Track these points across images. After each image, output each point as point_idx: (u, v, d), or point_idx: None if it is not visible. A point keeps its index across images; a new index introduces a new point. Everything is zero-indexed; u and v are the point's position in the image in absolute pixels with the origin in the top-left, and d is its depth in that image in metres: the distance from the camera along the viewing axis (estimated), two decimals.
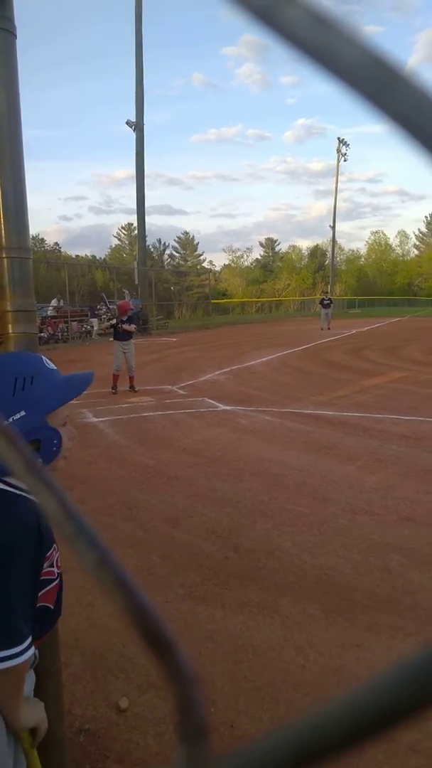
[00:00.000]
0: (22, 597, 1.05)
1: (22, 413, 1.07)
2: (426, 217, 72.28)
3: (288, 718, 2.10)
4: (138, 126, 23.80)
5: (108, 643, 2.53)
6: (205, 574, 3.17)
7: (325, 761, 0.13)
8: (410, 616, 2.72)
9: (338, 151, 45.56)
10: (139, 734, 2.04)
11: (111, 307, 10.31)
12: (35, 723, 1.18)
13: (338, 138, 45.50)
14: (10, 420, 1.06)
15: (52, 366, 1.16)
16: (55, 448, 1.11)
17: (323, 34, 0.14)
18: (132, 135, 24.20)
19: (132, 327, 9.36)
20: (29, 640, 1.04)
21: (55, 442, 1.11)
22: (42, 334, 19.27)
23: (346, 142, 45.50)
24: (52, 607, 1.17)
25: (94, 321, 21.68)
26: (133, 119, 23.81)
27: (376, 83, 0.14)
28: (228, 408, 7.69)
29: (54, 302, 22.32)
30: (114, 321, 9.27)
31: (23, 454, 0.19)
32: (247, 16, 0.14)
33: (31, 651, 1.05)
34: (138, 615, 0.16)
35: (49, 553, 1.13)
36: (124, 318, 9.19)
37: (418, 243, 72.69)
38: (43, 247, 55.72)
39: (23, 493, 1.08)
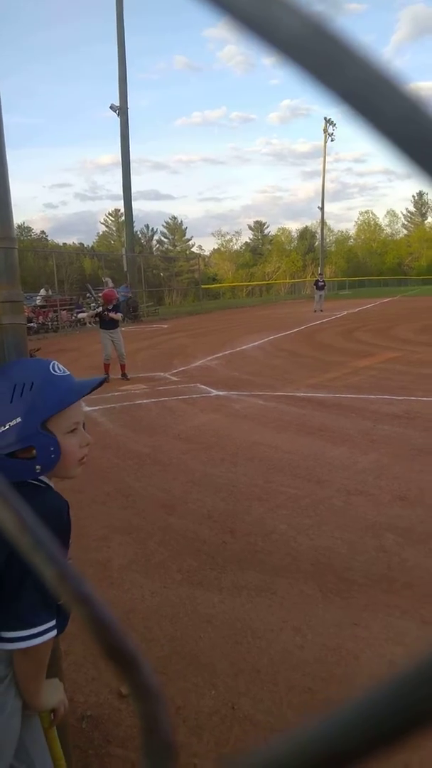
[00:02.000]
0: (35, 587, 1.08)
1: (18, 420, 1.07)
2: (413, 196, 72.07)
3: (288, 698, 2.13)
4: (122, 110, 23.48)
5: None
6: (202, 558, 3.19)
7: None
8: (406, 594, 2.75)
9: (325, 131, 45.15)
10: None
11: (98, 296, 10.26)
12: (56, 704, 1.21)
13: (325, 118, 45.06)
14: (6, 426, 1.07)
15: (62, 372, 1.15)
16: (53, 456, 1.11)
17: (262, 3, 0.12)
18: (116, 120, 23.90)
19: (118, 315, 9.30)
20: (54, 621, 1.08)
21: (52, 449, 1.10)
22: (31, 324, 19.13)
23: (333, 121, 45.06)
24: None
25: (83, 315, 21.57)
26: (117, 103, 23.48)
27: (320, 57, 0.12)
28: (221, 393, 7.69)
29: (42, 292, 22.15)
30: (99, 309, 9.22)
31: None
32: None
33: (47, 636, 1.07)
34: (100, 629, 0.15)
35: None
36: (110, 306, 9.13)
37: (406, 222, 72.52)
38: (30, 235, 55.19)
39: (49, 485, 1.14)
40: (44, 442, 1.10)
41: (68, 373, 1.17)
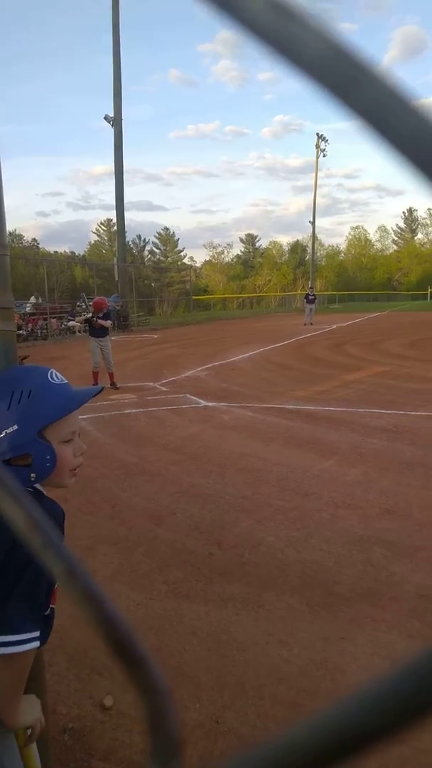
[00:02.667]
0: (47, 590, 1.08)
1: (15, 427, 1.06)
2: (404, 212, 72.95)
3: (273, 711, 2.12)
4: (116, 121, 23.60)
5: (92, 641, 2.52)
6: (188, 570, 3.17)
7: None
8: (393, 608, 2.75)
9: (317, 146, 45.66)
10: (124, 732, 2.04)
11: (89, 304, 10.29)
12: (32, 722, 1.18)
13: (317, 134, 45.61)
14: (3, 434, 1.06)
15: (59, 380, 1.15)
16: (48, 464, 1.11)
17: (285, 24, 0.13)
18: (110, 131, 24.00)
19: (108, 322, 9.30)
20: (38, 632, 1.06)
21: (48, 457, 1.10)
22: (21, 332, 19.06)
23: (325, 137, 45.62)
24: (53, 608, 1.18)
25: (75, 323, 21.49)
26: (112, 114, 23.60)
27: (340, 77, 0.13)
28: (210, 404, 7.68)
29: (32, 299, 22.09)
30: (89, 316, 9.22)
31: None
32: (206, 2, 0.13)
33: (30, 645, 1.05)
34: (108, 627, 0.15)
35: None
36: (100, 314, 9.14)
37: (396, 238, 73.32)
38: (21, 243, 55.11)
39: (42, 492, 1.15)
40: (40, 451, 1.09)
41: (66, 381, 1.17)
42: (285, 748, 0.13)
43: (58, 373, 1.17)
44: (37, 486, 1.15)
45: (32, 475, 1.09)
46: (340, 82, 0.12)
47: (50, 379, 1.14)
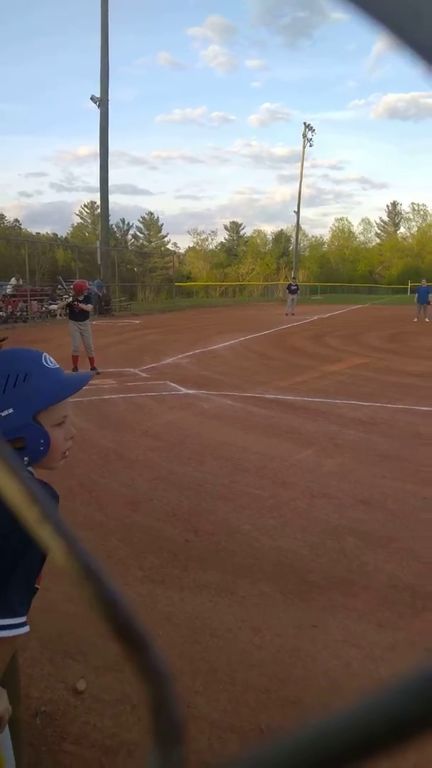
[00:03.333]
0: (38, 572, 1.09)
1: (10, 410, 1.07)
2: (387, 205, 73.26)
3: (245, 697, 2.14)
4: (102, 101, 23.25)
5: (66, 626, 2.52)
6: (164, 556, 3.18)
7: None
8: (364, 597, 2.79)
9: (304, 136, 45.58)
10: (96, 716, 2.05)
11: (69, 288, 10.12)
12: (1, 712, 1.16)
13: (304, 123, 45.51)
14: None
15: (53, 365, 1.16)
16: (42, 448, 1.12)
17: None
18: (96, 112, 23.64)
19: (88, 306, 9.19)
20: (23, 618, 1.07)
21: (41, 441, 1.11)
22: (1, 313, 18.80)
23: (312, 127, 45.56)
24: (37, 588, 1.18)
25: (55, 306, 21.22)
26: (98, 95, 23.23)
27: (401, 7, 0.12)
28: (190, 392, 7.68)
29: (13, 281, 21.77)
30: (69, 299, 9.10)
31: None
32: None
33: (23, 630, 1.06)
34: (108, 607, 0.15)
35: None
36: (80, 298, 9.02)
37: (379, 231, 73.67)
38: (3, 223, 54.16)
39: (33, 474, 1.13)
40: (35, 434, 1.10)
41: (58, 366, 1.18)
42: (293, 750, 0.13)
43: (51, 358, 1.17)
44: (30, 469, 1.15)
45: (25, 458, 1.10)
46: (400, 15, 0.12)
47: (44, 363, 1.15)
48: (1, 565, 1.04)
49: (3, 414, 1.06)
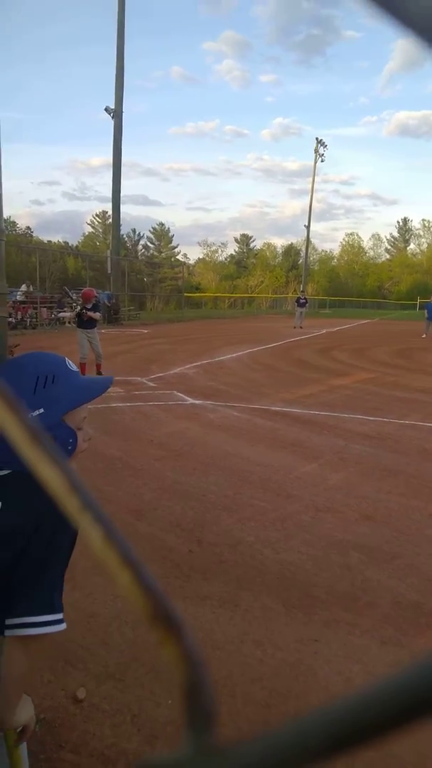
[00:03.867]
0: (66, 564, 1.11)
1: (41, 410, 1.09)
2: (398, 221, 73.44)
3: (245, 711, 2.13)
4: (117, 113, 23.50)
5: (66, 634, 2.50)
6: (167, 566, 3.17)
7: (332, 756, 0.13)
8: (367, 613, 2.77)
9: (316, 151, 45.83)
10: (95, 725, 2.04)
11: (75, 297, 10.19)
12: (26, 721, 1.16)
13: (316, 138, 45.78)
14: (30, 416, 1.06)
15: (75, 368, 1.21)
16: (70, 447, 1.14)
17: None
18: (109, 123, 23.92)
19: (97, 315, 9.25)
20: (62, 614, 1.09)
21: (70, 441, 1.14)
22: (10, 319, 18.90)
23: (324, 142, 45.78)
24: None
25: (66, 313, 21.28)
26: (112, 106, 23.50)
27: None
28: (197, 402, 7.68)
29: (23, 287, 21.92)
30: (77, 308, 9.16)
31: (26, 423, 0.19)
32: None
33: (63, 626, 1.09)
34: (147, 594, 0.16)
35: None
36: (89, 306, 9.08)
37: (389, 247, 73.81)
38: (15, 230, 54.65)
39: None
40: (64, 434, 1.13)
41: (77, 369, 1.23)
42: (291, 738, 0.14)
43: (71, 362, 1.22)
44: None
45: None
46: None
47: (68, 366, 1.19)
48: (37, 558, 1.05)
49: (34, 414, 1.08)
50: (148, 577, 0.16)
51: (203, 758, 0.14)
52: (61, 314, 21.31)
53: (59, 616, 1.07)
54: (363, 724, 0.12)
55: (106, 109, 23.57)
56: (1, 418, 0.19)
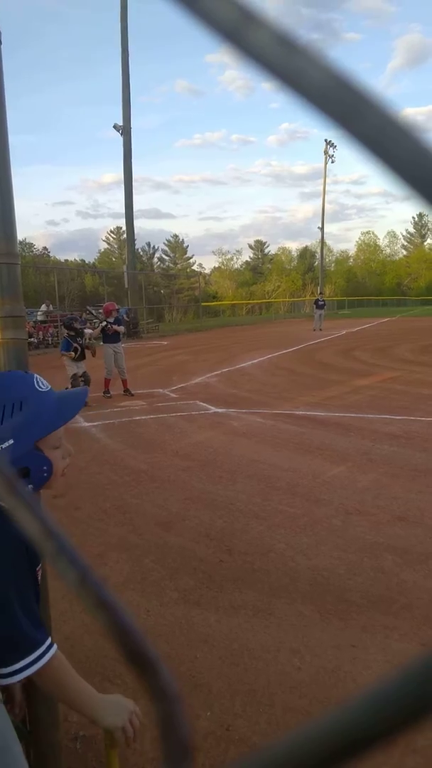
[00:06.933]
0: (27, 611, 1.05)
1: (10, 441, 1.03)
2: (413, 217, 72.75)
3: (284, 719, 2.10)
4: (125, 130, 23.78)
5: (103, 648, 2.52)
6: (199, 577, 3.16)
7: None
8: (405, 616, 2.73)
9: (325, 152, 45.72)
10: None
11: (99, 312, 10.29)
12: (112, 725, 1.14)
13: (326, 140, 45.66)
14: None
15: (45, 386, 1.12)
16: (45, 474, 1.09)
17: (289, 56, 0.14)
18: (118, 140, 24.21)
19: (121, 327, 9.35)
20: (46, 643, 1.05)
21: (44, 468, 1.09)
22: (32, 339, 19.17)
23: (333, 143, 45.67)
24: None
25: (89, 331, 21.39)
26: (120, 123, 23.79)
27: (342, 106, 0.13)
28: (220, 410, 7.68)
29: (43, 307, 22.22)
30: (103, 324, 9.24)
31: (4, 473, 0.19)
32: (214, 35, 0.14)
33: (52, 650, 1.06)
34: (120, 634, 0.16)
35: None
36: (111, 319, 9.17)
37: (406, 243, 73.14)
38: (32, 251, 55.53)
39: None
40: (38, 462, 1.07)
41: (49, 387, 1.14)
42: (285, 753, 0.14)
43: (42, 379, 1.13)
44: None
45: (29, 486, 1.07)
46: (342, 111, 0.13)
47: (38, 387, 1.10)
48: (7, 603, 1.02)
49: (4, 446, 1.02)
50: (123, 617, 0.16)
51: None
52: (86, 331, 21.49)
53: (41, 649, 1.04)
54: (355, 737, 0.12)
55: (115, 126, 23.87)
56: None
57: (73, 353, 8.47)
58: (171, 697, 0.15)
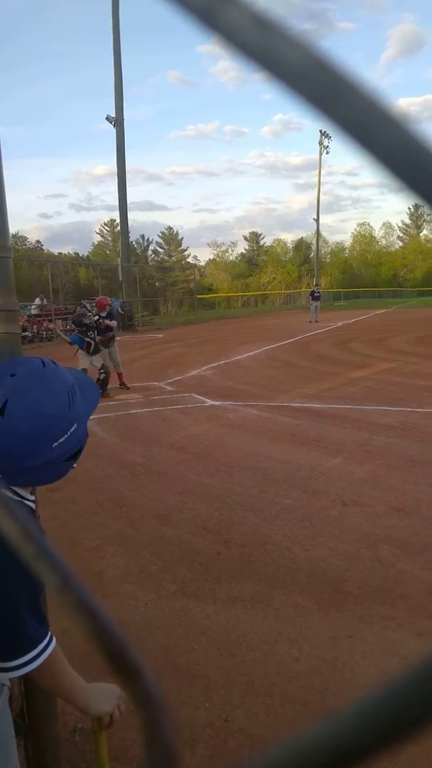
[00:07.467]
0: (32, 606, 1.06)
1: (75, 426, 1.06)
2: (409, 208, 72.58)
3: (283, 710, 2.12)
4: (118, 121, 23.63)
5: None
6: (196, 569, 3.17)
7: None
8: (402, 606, 2.74)
9: (320, 143, 45.52)
10: (134, 731, 2.04)
11: (90, 307, 10.23)
12: (100, 712, 1.19)
13: (320, 130, 45.43)
14: (68, 434, 1.04)
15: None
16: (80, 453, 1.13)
17: (264, 36, 0.13)
18: (110, 132, 24.06)
19: (113, 322, 9.30)
20: (47, 637, 1.07)
21: (82, 447, 1.12)
22: (26, 333, 19.11)
23: (328, 134, 45.44)
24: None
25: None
26: (112, 114, 23.63)
27: (319, 86, 0.13)
28: (216, 403, 7.68)
29: (37, 301, 22.15)
30: (95, 318, 9.19)
31: None
32: (187, 15, 0.13)
33: (53, 644, 1.08)
34: (102, 638, 0.15)
35: None
36: (104, 314, 9.12)
37: (401, 234, 73.05)
38: (25, 245, 55.24)
39: (24, 500, 1.10)
40: (84, 442, 1.11)
41: None
42: (285, 757, 0.14)
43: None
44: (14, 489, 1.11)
45: (74, 465, 1.11)
46: (320, 92, 0.12)
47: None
48: (5, 607, 1.03)
49: (72, 430, 1.05)
50: (105, 621, 0.16)
51: None
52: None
53: (44, 643, 1.05)
54: (356, 743, 0.12)
55: (108, 118, 23.71)
56: None
57: (86, 348, 8.49)
58: (155, 702, 0.14)
